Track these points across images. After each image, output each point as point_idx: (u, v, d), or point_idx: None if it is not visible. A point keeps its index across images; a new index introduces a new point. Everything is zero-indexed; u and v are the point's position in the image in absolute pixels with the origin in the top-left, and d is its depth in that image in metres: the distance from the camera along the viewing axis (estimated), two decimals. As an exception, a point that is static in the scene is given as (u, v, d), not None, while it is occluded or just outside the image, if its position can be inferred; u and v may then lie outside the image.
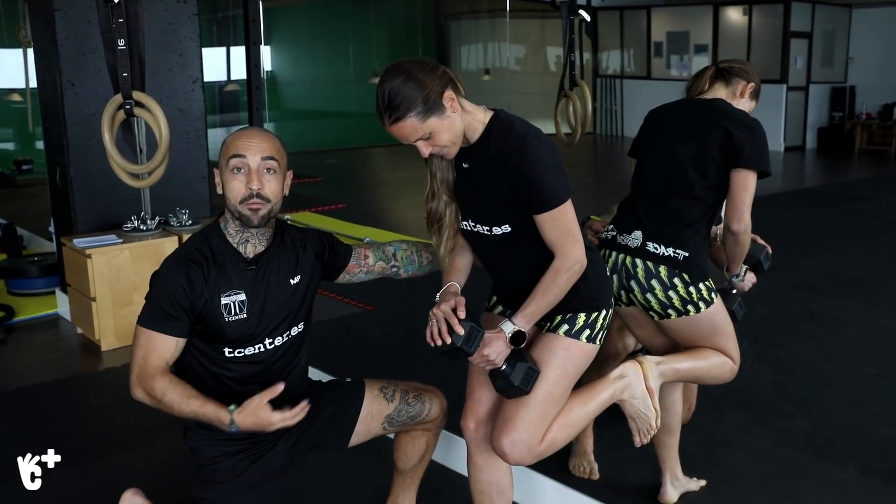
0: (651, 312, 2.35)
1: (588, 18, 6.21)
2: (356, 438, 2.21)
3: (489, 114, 1.96)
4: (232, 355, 2.00)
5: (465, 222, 2.05)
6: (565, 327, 2.04)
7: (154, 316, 1.92)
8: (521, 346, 1.98)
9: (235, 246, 1.99)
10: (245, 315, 1.97)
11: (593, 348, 2.08)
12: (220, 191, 1.98)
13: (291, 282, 2.05)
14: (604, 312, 2.08)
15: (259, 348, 2.02)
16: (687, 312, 2.29)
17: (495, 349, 1.94)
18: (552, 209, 1.90)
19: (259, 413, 1.82)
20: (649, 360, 2.24)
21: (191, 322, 1.94)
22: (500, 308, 2.20)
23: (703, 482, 2.68)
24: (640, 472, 2.79)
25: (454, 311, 1.91)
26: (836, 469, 2.83)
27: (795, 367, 3.79)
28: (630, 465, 2.83)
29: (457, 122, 1.89)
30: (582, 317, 2.05)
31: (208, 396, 1.87)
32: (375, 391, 2.21)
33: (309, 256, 2.11)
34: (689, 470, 2.68)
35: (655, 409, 2.21)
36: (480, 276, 2.22)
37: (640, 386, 2.19)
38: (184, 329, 1.94)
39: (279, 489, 2.12)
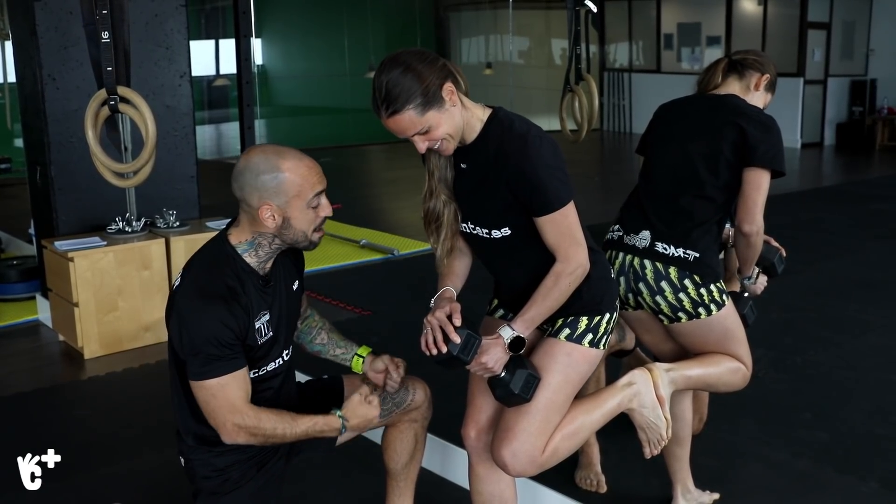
0: (660, 316, 2.36)
1: (595, 9, 6.20)
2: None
3: (487, 111, 1.97)
4: (257, 375, 2.00)
5: (464, 224, 2.06)
6: (567, 331, 2.06)
7: (216, 365, 1.87)
8: (521, 352, 1.99)
9: (255, 268, 1.97)
10: (272, 333, 1.99)
11: (597, 353, 2.09)
12: (272, 223, 1.91)
13: (293, 288, 2.09)
14: (607, 316, 2.09)
15: (278, 362, 2.05)
16: (698, 315, 2.30)
17: (493, 356, 1.95)
18: (553, 212, 1.91)
19: (361, 409, 2.04)
20: (659, 368, 2.25)
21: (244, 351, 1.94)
22: (501, 311, 2.21)
23: (716, 495, 2.68)
24: (650, 485, 2.79)
25: (449, 318, 1.92)
26: (858, 482, 2.83)
27: (814, 374, 3.79)
28: (639, 478, 2.84)
29: (456, 116, 1.89)
30: (584, 321, 2.06)
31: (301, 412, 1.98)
32: (357, 383, 2.23)
33: (298, 255, 2.14)
34: (702, 482, 2.68)
35: (666, 419, 2.22)
36: (479, 279, 2.23)
37: (649, 394, 2.20)
38: (244, 359, 1.93)
39: (279, 496, 2.13)
